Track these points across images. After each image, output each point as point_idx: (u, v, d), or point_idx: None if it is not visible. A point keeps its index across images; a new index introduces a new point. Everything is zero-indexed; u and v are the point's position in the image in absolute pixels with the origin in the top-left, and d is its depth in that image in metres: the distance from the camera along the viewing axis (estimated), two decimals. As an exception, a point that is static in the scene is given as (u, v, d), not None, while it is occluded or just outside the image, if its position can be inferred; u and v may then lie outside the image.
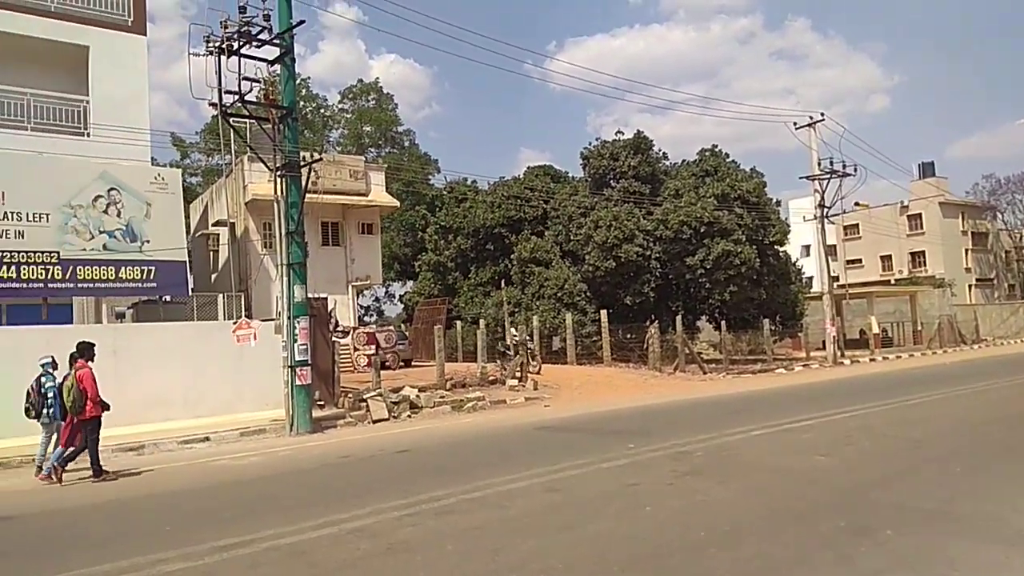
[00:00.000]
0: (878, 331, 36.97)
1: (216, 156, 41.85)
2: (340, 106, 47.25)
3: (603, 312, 25.38)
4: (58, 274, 15.82)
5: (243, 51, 13.15)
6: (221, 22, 12.83)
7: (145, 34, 19.13)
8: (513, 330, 21.72)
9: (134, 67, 18.66)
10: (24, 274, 15.45)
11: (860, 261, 60.08)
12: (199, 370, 14.75)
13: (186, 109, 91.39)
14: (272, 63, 13.77)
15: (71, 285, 16.06)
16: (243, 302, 20.72)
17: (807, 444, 9.80)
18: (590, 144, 33.23)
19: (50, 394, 10.21)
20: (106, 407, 10.24)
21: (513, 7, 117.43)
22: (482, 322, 24.98)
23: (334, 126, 47.02)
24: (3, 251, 15.22)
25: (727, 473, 8.01)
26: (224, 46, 12.87)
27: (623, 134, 32.45)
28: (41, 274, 15.71)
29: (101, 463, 10.12)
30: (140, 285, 16.95)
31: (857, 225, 57.83)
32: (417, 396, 16.37)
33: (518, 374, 19.63)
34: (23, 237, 15.54)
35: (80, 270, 16.07)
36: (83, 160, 16.72)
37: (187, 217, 21.75)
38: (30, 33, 17.41)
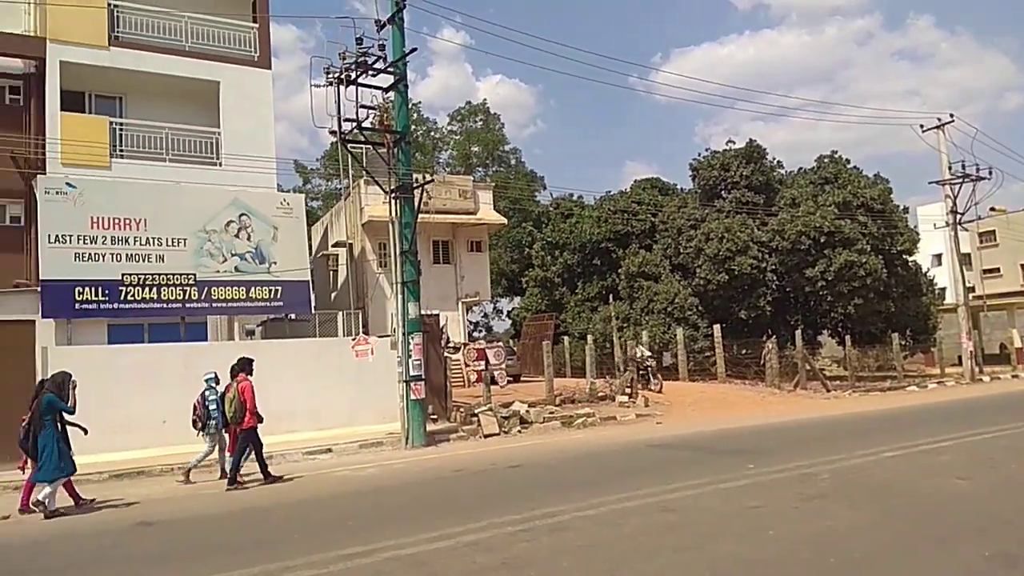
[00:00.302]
0: (1020, 345, 34.03)
1: (335, 180, 43.93)
2: (449, 128, 48.57)
3: (716, 327, 24.66)
4: (194, 295, 17.02)
5: (360, 80, 13.78)
6: (340, 54, 13.52)
7: (270, 68, 20.39)
8: (640, 347, 21.41)
9: (260, 100, 19.92)
10: (164, 295, 16.71)
11: (998, 270, 55.49)
12: (322, 384, 15.45)
13: (306, 137, 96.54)
14: (387, 90, 14.35)
15: (206, 305, 17.23)
16: (360, 319, 21.53)
17: (945, 467, 9.11)
18: (699, 155, 32.58)
19: (212, 406, 11.10)
20: (260, 419, 10.99)
21: (617, 22, 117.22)
22: (590, 337, 24.82)
23: (443, 147, 48.35)
24: (146, 274, 16.53)
25: (857, 497, 7.56)
26: (343, 76, 13.53)
27: (734, 143, 31.64)
28: (179, 295, 16.94)
29: (269, 470, 10.97)
30: (268, 304, 17.98)
31: (994, 232, 53.51)
32: (527, 411, 16.45)
33: (628, 390, 19.36)
34: (163, 261, 16.83)
35: (214, 290, 17.22)
36: (216, 188, 17.96)
37: (309, 239, 22.88)
38: (168, 72, 18.91)
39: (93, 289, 15.68)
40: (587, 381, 20.00)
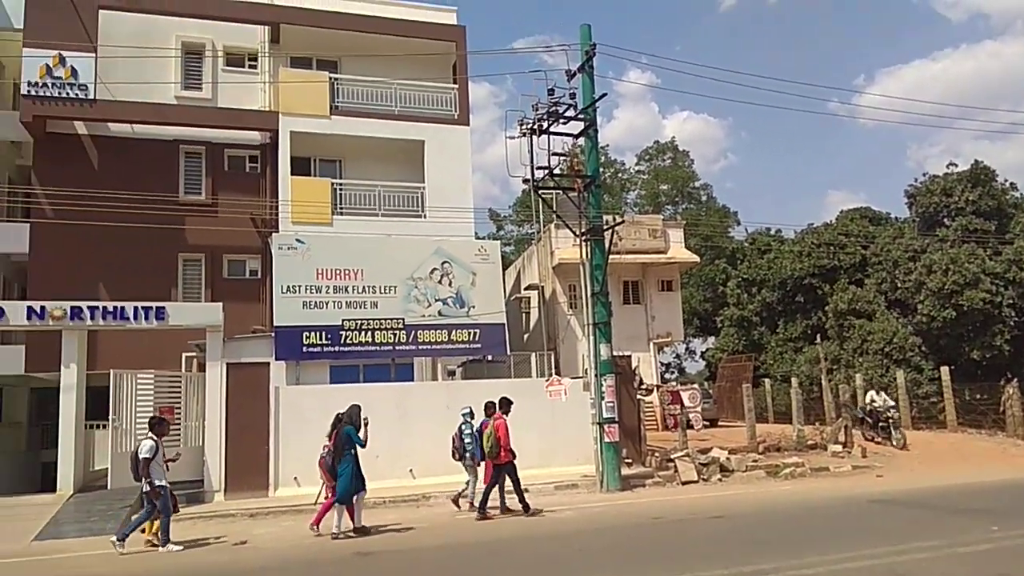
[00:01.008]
0: None
1: (526, 226, 45.40)
2: (637, 168, 48.58)
3: (944, 369, 22.14)
4: (403, 338, 18.24)
5: (552, 129, 14.24)
6: (532, 106, 14.09)
7: (468, 124, 21.69)
8: (873, 394, 19.68)
9: (460, 154, 21.22)
10: (378, 338, 18.07)
11: None
12: (517, 424, 15.75)
13: (498, 185, 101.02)
14: (577, 136, 14.70)
15: (413, 347, 18.38)
16: (552, 360, 21.84)
17: None
18: (916, 180, 29.96)
19: (468, 440, 11.90)
20: (514, 455, 11.68)
21: (812, 48, 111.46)
22: (794, 380, 23.31)
23: (631, 188, 48.37)
24: (362, 319, 17.99)
25: None
26: (535, 127, 14.06)
27: (956, 166, 28.77)
28: (390, 338, 18.23)
29: (528, 501, 11.70)
30: (467, 346, 18.83)
31: None
32: (727, 459, 15.69)
33: (841, 439, 17.86)
34: (377, 307, 18.24)
35: (420, 334, 18.36)
36: (421, 239, 19.27)
37: (503, 283, 23.73)
38: (380, 135, 20.76)
39: (318, 334, 17.34)
40: (794, 428, 18.71)
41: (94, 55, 18.25)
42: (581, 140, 14.89)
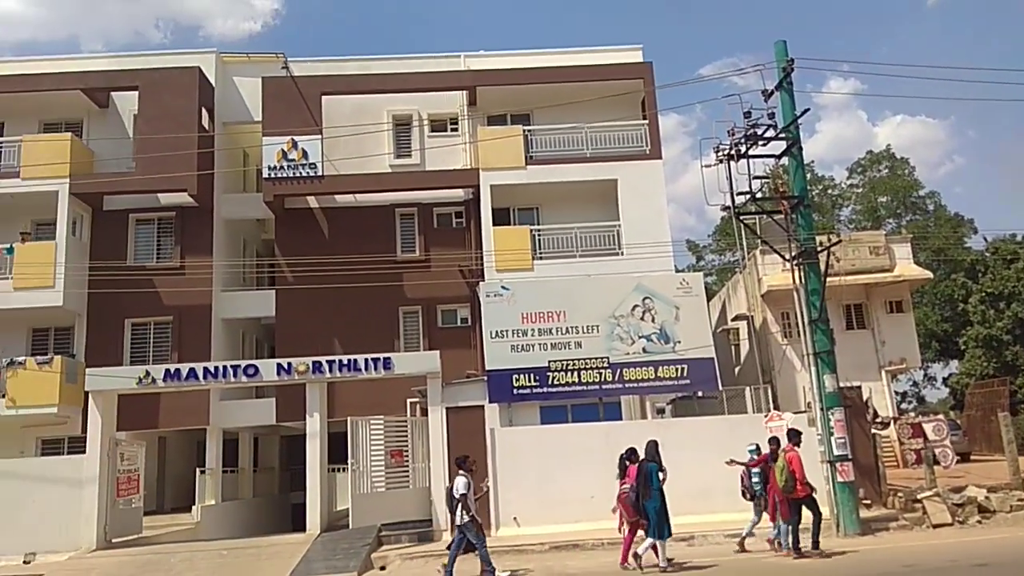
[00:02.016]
0: None
1: (727, 254, 43.78)
2: (849, 182, 45.18)
3: None
4: (608, 376, 18.20)
5: (751, 152, 13.73)
6: (728, 131, 13.71)
7: (661, 158, 21.56)
8: None
9: (654, 189, 21.10)
10: (583, 378, 18.18)
11: None
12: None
13: (693, 215, 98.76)
14: (779, 156, 14.04)
15: (619, 385, 18.27)
16: (769, 394, 20.64)
17: None
18: None
19: (755, 477, 11.93)
20: (812, 488, 11.51)
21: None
22: (1067, 407, 20.06)
23: (843, 204, 45.00)
24: (567, 359, 18.23)
25: None
26: (732, 152, 13.65)
27: None
28: (595, 377, 18.27)
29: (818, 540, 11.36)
30: (675, 382, 18.37)
31: None
32: (986, 498, 13.80)
33: None
34: (580, 347, 18.40)
35: (625, 372, 18.22)
36: (620, 276, 19.26)
37: (708, 315, 22.97)
38: (573, 179, 21.23)
39: (527, 376, 17.82)
40: (1070, 462, 16.05)
41: (320, 136, 20.59)
42: (784, 160, 14.19)
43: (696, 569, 10.56)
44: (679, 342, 18.46)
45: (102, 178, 20.60)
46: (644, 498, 10.67)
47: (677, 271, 22.88)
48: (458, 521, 10.89)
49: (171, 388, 16.14)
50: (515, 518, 14.84)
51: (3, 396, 18.42)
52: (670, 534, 10.74)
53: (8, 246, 19.58)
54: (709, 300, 29.84)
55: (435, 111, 22.65)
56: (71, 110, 21.65)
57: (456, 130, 22.70)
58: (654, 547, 10.61)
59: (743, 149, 13.67)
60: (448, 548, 11.16)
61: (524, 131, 21.44)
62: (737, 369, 26.03)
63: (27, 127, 21.38)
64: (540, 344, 18.09)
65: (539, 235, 21.11)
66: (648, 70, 21.99)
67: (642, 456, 11.11)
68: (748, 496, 12.07)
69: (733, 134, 13.69)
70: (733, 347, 27.04)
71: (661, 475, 10.87)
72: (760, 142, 13.73)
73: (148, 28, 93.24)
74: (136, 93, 20.90)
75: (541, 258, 20.71)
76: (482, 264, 20.50)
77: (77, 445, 17.71)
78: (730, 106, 13.79)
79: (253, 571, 12.85)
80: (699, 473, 14.36)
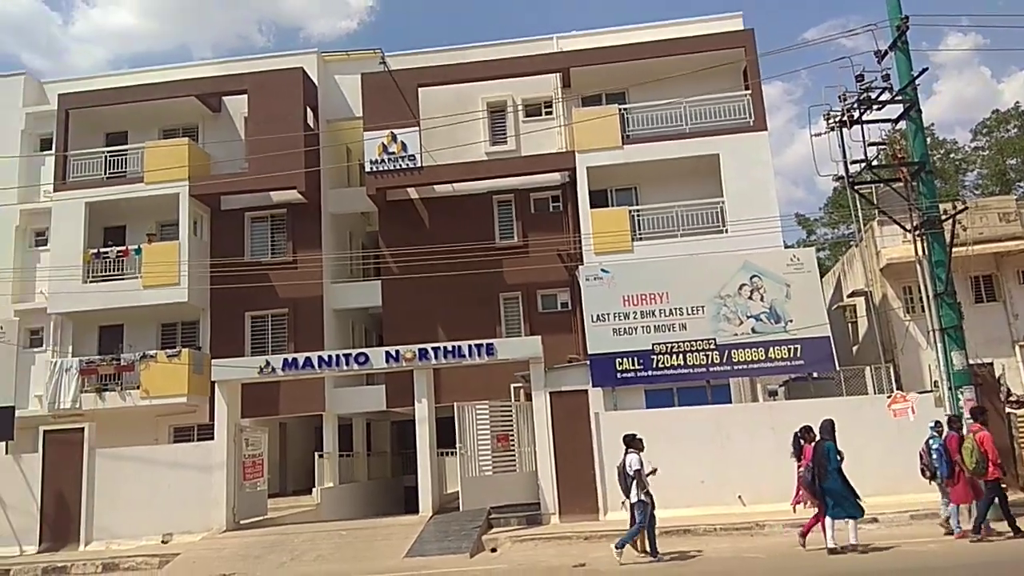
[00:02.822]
0: None
1: (841, 227, 41.63)
2: (973, 145, 41.92)
3: None
4: (716, 358, 17.67)
5: (864, 117, 12.92)
6: (839, 96, 12.95)
7: (766, 129, 20.67)
8: None
9: (759, 161, 20.26)
10: (689, 360, 17.73)
11: None
12: (856, 446, 14.26)
13: (801, 187, 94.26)
14: (896, 121, 13.14)
15: (727, 367, 17.70)
16: (891, 373, 19.50)
17: None
18: None
19: (934, 455, 11.39)
20: (1003, 471, 11.07)
21: None
22: None
23: (968, 168, 41.83)
24: (672, 342, 17.82)
25: None
26: (844, 118, 12.88)
27: None
28: (702, 360, 17.77)
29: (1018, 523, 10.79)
30: (788, 363, 17.62)
31: None
32: None
33: None
34: (685, 328, 17.93)
35: (734, 353, 17.63)
36: (726, 255, 18.62)
37: (822, 292, 21.93)
38: (673, 156, 20.66)
39: (630, 360, 17.56)
40: None
41: (417, 128, 20.95)
42: (901, 124, 13.26)
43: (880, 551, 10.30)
44: (791, 321, 17.69)
45: (218, 179, 21.78)
46: (821, 479, 10.43)
47: (786, 247, 21.87)
48: (632, 499, 10.95)
49: (289, 376, 16.93)
50: (623, 502, 14.73)
51: (138, 388, 19.87)
52: (862, 513, 10.41)
53: (136, 247, 21.06)
54: (822, 276, 28.51)
55: (529, 95, 22.56)
56: (187, 116, 22.96)
57: (551, 113, 22.55)
58: (826, 525, 10.33)
59: (856, 115, 12.87)
60: (633, 525, 11.03)
61: (620, 110, 21.04)
62: (855, 348, 24.77)
63: (148, 135, 22.81)
64: (643, 327, 17.75)
65: (638, 215, 20.71)
66: (749, 38, 21.08)
67: (817, 436, 10.90)
68: (928, 476, 11.47)
69: (844, 99, 12.91)
70: (850, 325, 25.72)
71: (839, 455, 10.57)
72: (874, 107, 12.88)
73: (252, 32, 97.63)
74: (245, 96, 21.92)
75: (641, 239, 20.33)
76: (580, 248, 20.33)
77: (205, 432, 18.90)
78: (840, 70, 13.00)
79: (370, 550, 13.34)
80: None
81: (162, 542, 15.26)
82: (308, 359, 16.58)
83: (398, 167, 20.97)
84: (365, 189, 21.76)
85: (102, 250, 21.20)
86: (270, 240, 22.48)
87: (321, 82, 22.94)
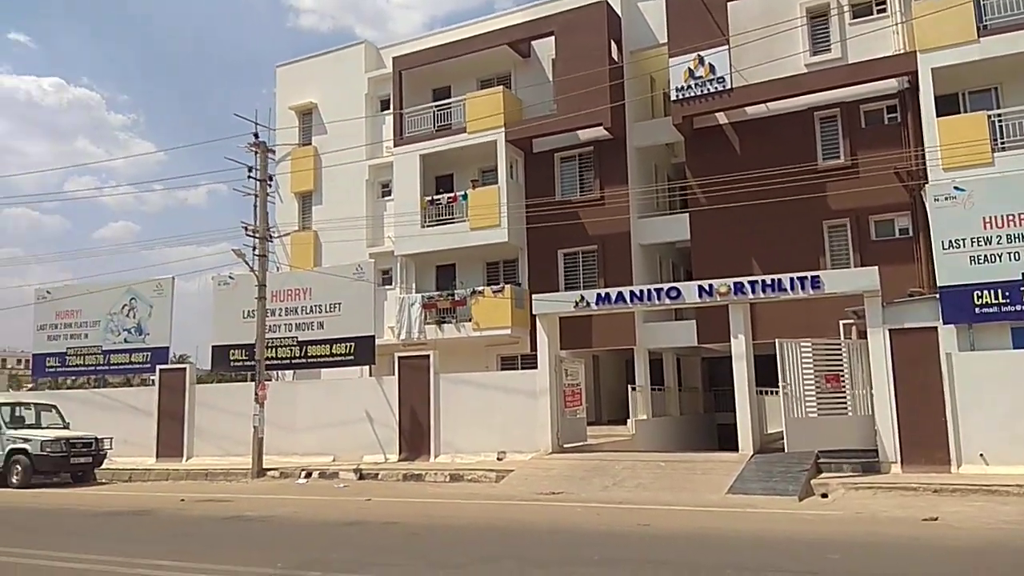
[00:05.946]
0: None
1: None
2: None
3: None
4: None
5: None
6: None
7: None
8: None
9: None
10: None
11: None
12: None
13: None
14: None
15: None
16: None
17: None
18: None
19: None
20: None
21: None
22: None
23: None
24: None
25: None
26: None
27: None
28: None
29: None
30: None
31: None
32: None
33: None
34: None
35: None
36: None
37: None
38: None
39: (993, 292, 14.86)
40: None
41: (726, 47, 19.61)
42: None
43: None
44: None
45: (530, 123, 22.68)
46: None
47: None
48: None
49: (602, 311, 17.31)
50: (981, 455, 12.87)
51: (469, 320, 21.93)
52: None
53: (463, 193, 22.97)
54: None
55: (857, -7, 19.80)
56: (500, 65, 24.14)
57: (884, 10, 19.53)
58: None
59: None
60: None
61: (975, -4, 17.51)
62: None
63: (468, 87, 24.50)
64: (1010, 253, 14.91)
65: (1000, 121, 17.31)
66: None
67: None
68: None
69: None
70: None
71: None
72: None
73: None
74: (552, 39, 22.37)
75: (1004, 149, 17.03)
76: (924, 164, 17.61)
77: (528, 362, 20.32)
78: None
79: (689, 483, 13.28)
80: None
81: (497, 459, 16.83)
82: (620, 294, 16.77)
83: (706, 91, 19.88)
84: (671, 119, 21.10)
85: (435, 197, 23.52)
86: (579, 178, 22.99)
87: (624, 12, 22.51)
